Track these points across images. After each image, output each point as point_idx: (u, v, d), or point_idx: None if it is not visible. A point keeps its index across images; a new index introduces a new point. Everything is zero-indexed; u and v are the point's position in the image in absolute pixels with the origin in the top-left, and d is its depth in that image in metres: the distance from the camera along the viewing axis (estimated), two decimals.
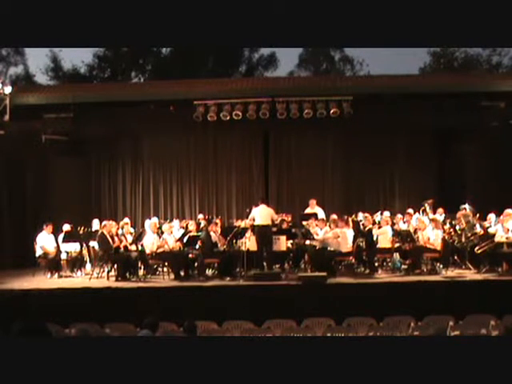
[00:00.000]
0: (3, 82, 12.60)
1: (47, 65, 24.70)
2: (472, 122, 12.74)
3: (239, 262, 10.04)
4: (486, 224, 10.36)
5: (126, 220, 11.77)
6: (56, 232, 10.95)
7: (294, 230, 10.98)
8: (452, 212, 11.35)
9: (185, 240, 10.45)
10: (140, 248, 10.44)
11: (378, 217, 11.55)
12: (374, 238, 10.40)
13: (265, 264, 10.22)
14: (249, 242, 10.25)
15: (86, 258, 10.99)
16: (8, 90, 12.39)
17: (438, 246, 9.86)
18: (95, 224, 11.76)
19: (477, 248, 9.81)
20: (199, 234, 10.71)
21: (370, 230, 10.52)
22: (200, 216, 12.90)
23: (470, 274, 9.73)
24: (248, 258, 10.00)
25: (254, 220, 10.22)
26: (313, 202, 12.26)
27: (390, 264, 10.67)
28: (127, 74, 25.23)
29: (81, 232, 10.95)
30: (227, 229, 10.95)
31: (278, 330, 6.83)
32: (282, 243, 10.49)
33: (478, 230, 10.29)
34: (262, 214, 10.05)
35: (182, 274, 10.10)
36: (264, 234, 9.98)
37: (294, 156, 14.72)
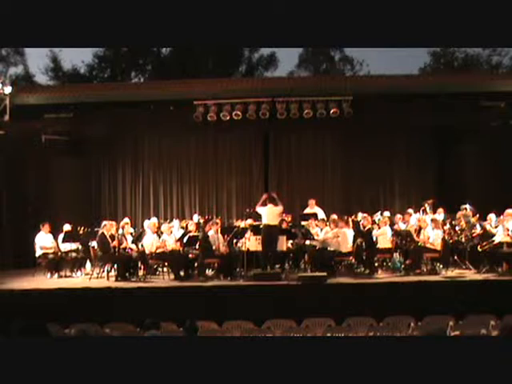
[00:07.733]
0: (3, 82, 12.57)
1: (47, 65, 24.70)
2: (472, 122, 12.75)
3: (239, 261, 10.05)
4: (486, 224, 10.35)
5: (126, 220, 11.75)
6: (55, 232, 10.95)
7: (293, 230, 10.98)
8: (452, 212, 11.35)
9: (185, 240, 10.45)
10: (140, 248, 10.44)
11: (377, 217, 11.55)
12: (374, 239, 10.40)
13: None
14: (249, 242, 10.25)
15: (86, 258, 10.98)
16: (8, 90, 12.37)
17: (438, 246, 9.85)
18: None
19: (479, 246, 9.81)
20: (199, 234, 10.71)
21: (370, 230, 10.52)
22: (195, 216, 12.87)
23: (469, 274, 9.72)
24: (248, 258, 10.01)
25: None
26: (312, 202, 12.26)
27: (389, 264, 10.67)
28: (127, 74, 25.22)
29: (81, 232, 10.95)
30: (227, 229, 10.95)
31: (278, 330, 6.82)
32: (282, 243, 10.49)
33: (478, 230, 10.29)
34: (268, 214, 10.04)
35: (182, 274, 10.09)
36: (270, 233, 9.95)
37: (294, 156, 14.73)
